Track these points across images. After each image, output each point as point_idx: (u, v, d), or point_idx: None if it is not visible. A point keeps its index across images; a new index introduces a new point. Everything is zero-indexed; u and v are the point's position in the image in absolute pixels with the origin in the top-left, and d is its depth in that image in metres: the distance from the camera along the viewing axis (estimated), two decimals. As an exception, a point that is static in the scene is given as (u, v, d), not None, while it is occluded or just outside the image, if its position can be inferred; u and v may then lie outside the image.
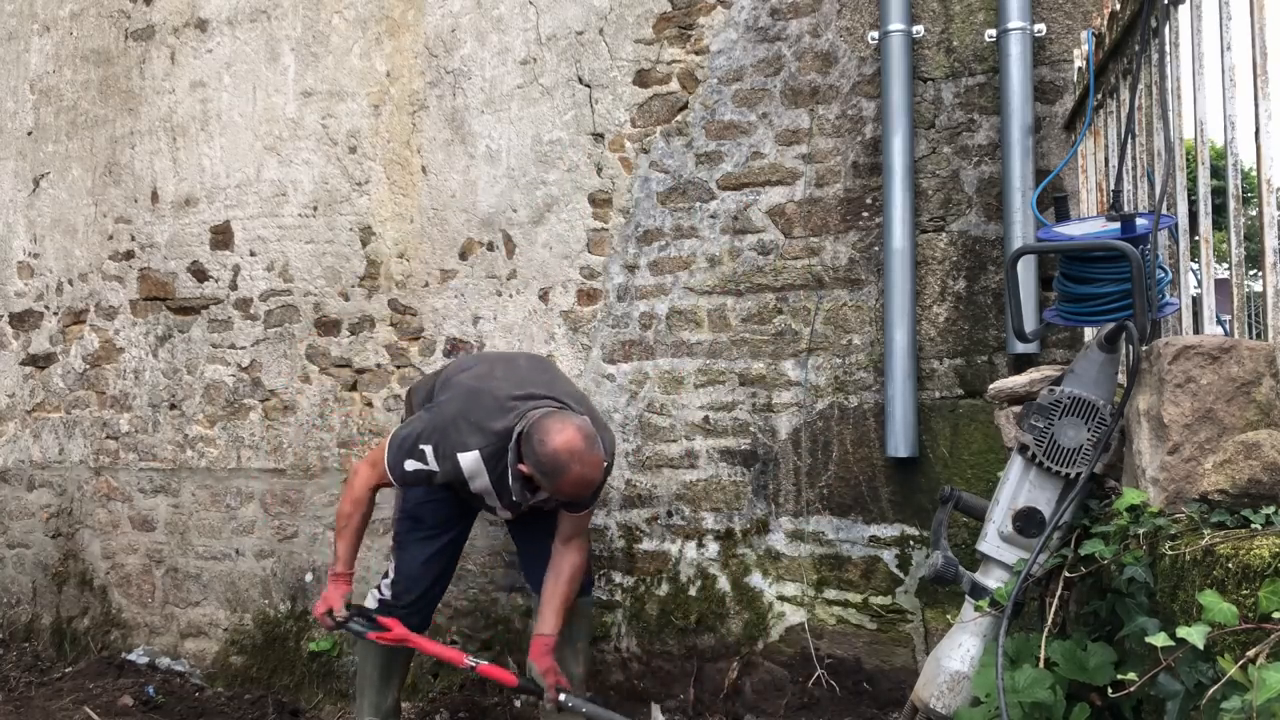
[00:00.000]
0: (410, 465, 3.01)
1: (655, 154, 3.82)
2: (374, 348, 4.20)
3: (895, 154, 3.40)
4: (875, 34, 3.48)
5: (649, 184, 3.83)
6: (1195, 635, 1.43)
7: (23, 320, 4.88)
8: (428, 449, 2.99)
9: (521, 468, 2.90)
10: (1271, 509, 1.67)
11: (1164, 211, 2.12)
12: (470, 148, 4.10)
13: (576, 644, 3.33)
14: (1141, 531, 1.77)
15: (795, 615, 3.56)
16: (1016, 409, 2.23)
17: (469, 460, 2.97)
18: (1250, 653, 1.37)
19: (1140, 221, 2.12)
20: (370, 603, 3.33)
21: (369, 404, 4.20)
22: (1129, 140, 2.44)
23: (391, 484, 3.15)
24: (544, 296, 3.96)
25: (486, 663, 3.20)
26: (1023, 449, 2.08)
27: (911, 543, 3.44)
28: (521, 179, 4.01)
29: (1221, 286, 2.34)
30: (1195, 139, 2.10)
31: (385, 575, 3.34)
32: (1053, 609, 1.96)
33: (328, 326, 4.28)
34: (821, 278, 3.60)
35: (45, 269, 4.84)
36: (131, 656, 4.42)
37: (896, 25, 3.41)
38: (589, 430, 2.87)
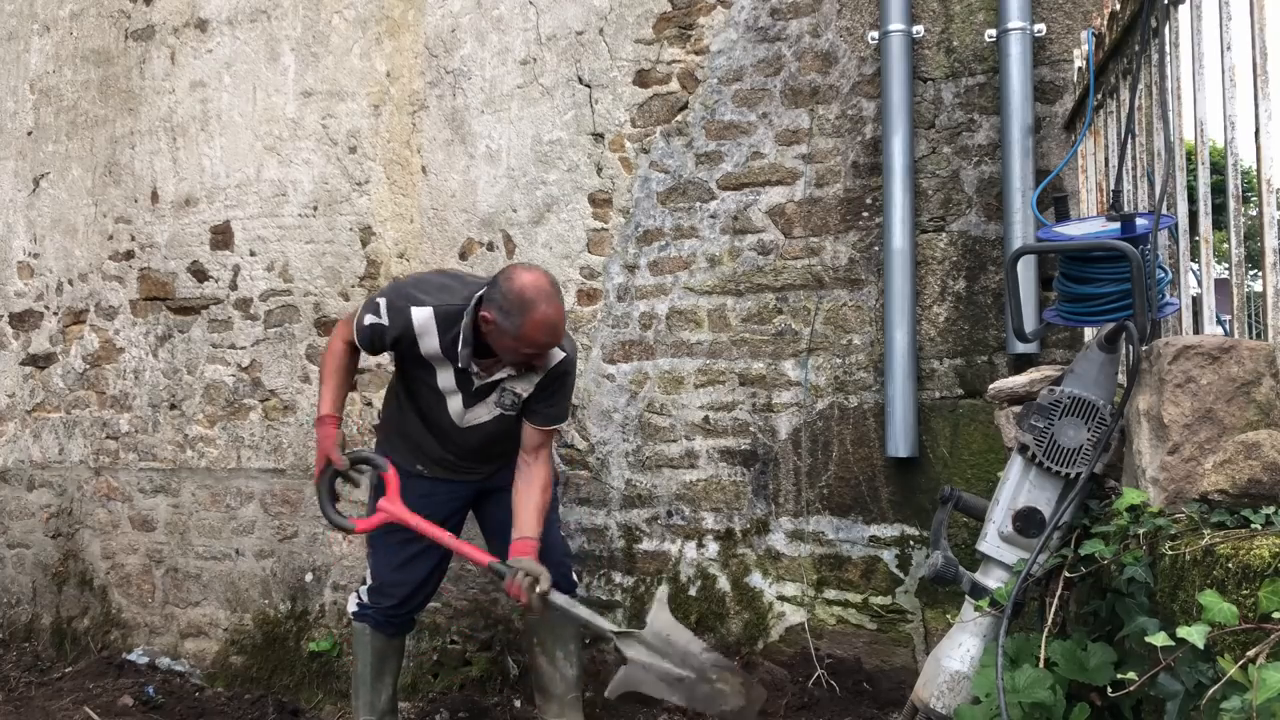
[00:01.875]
0: (368, 320, 2.98)
1: (655, 154, 3.82)
2: (374, 348, 4.20)
3: (895, 154, 3.40)
4: (875, 34, 3.48)
5: (649, 184, 3.83)
6: (1195, 635, 1.43)
7: (23, 320, 4.88)
8: (382, 303, 2.97)
9: (485, 314, 2.83)
10: (1271, 509, 1.67)
11: (1164, 211, 2.12)
12: (470, 148, 4.10)
13: (569, 645, 3.30)
14: (1141, 531, 1.76)
15: (795, 615, 3.56)
16: (1016, 409, 2.23)
17: (421, 315, 2.91)
18: (1250, 653, 1.37)
19: (1140, 221, 2.12)
20: (351, 607, 3.29)
21: (369, 404, 4.20)
22: (1129, 140, 2.44)
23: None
24: (544, 296, 3.95)
25: (465, 541, 3.06)
26: (1023, 449, 2.08)
27: (911, 543, 3.44)
28: (521, 179, 4.01)
29: (1221, 286, 2.34)
30: (1195, 139, 2.10)
31: (363, 581, 3.29)
32: (1053, 609, 1.96)
33: (328, 326, 4.28)
34: (821, 278, 3.60)
35: (45, 269, 4.84)
36: (131, 656, 4.42)
37: (896, 25, 3.41)
38: (555, 281, 2.89)
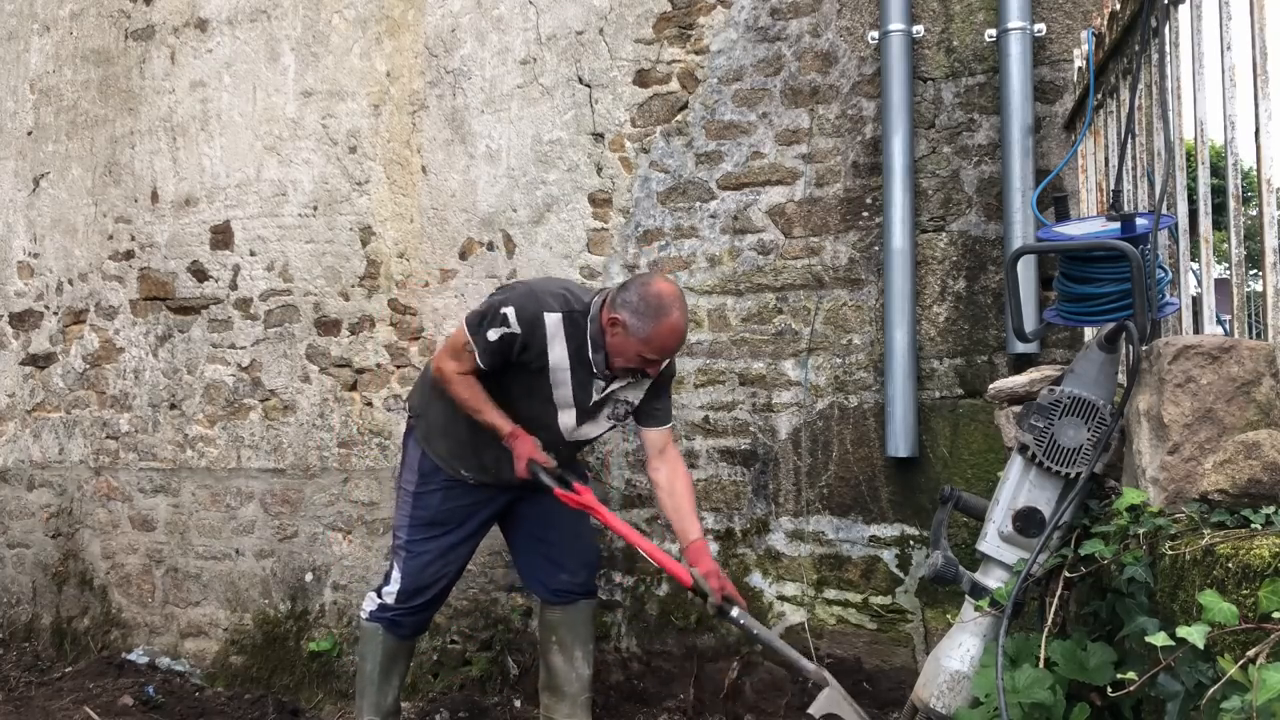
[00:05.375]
0: (494, 334, 2.89)
1: (655, 154, 3.82)
2: (374, 348, 4.20)
3: (895, 154, 3.40)
4: (875, 34, 3.48)
5: (649, 184, 3.83)
6: (1195, 635, 1.43)
7: (23, 320, 4.88)
8: (510, 311, 2.88)
9: (614, 315, 2.84)
10: (1271, 509, 1.67)
11: (1164, 211, 2.12)
12: (470, 147, 4.10)
13: (588, 645, 3.30)
14: (1141, 531, 1.76)
15: (795, 615, 3.56)
16: (1016, 409, 2.23)
17: (552, 321, 2.89)
18: (1250, 653, 1.37)
19: (1140, 221, 2.12)
20: (368, 606, 3.27)
21: (369, 404, 4.20)
22: (1129, 140, 2.44)
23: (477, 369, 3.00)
24: (544, 296, 3.95)
25: (669, 557, 3.07)
26: (1023, 449, 2.08)
27: (911, 543, 3.44)
28: (521, 179, 4.01)
29: (1221, 286, 2.34)
30: (1195, 139, 2.10)
31: (385, 581, 3.25)
32: (1053, 609, 1.96)
33: (328, 326, 4.28)
34: (821, 278, 3.60)
35: (45, 269, 4.84)
36: (131, 656, 4.42)
37: (896, 25, 3.41)
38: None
